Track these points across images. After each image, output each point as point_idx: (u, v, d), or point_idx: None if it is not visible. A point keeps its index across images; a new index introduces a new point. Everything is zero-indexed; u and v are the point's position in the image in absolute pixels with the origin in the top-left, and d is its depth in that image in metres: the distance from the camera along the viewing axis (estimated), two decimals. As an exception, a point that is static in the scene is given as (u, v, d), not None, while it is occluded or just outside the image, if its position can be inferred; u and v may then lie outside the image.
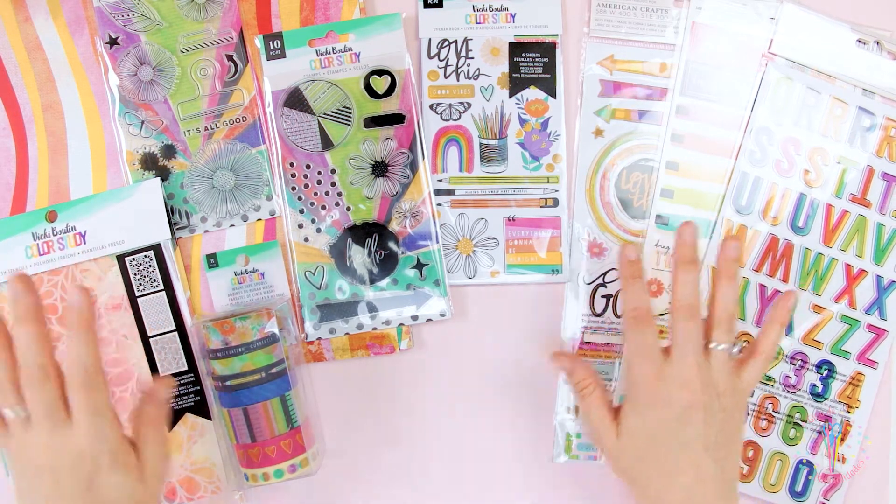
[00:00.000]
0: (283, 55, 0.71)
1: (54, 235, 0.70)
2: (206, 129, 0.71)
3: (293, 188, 0.71)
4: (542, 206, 0.73)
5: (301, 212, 0.71)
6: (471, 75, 0.73)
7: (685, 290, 0.62)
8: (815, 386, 0.73)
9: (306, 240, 0.71)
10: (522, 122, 0.73)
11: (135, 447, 0.59)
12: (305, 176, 0.71)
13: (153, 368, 0.71)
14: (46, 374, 0.56)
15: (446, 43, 0.73)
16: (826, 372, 0.73)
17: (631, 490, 0.65)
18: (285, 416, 0.66)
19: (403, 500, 0.74)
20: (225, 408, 0.66)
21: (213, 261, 0.71)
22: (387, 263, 0.72)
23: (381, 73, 0.72)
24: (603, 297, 0.73)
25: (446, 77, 0.73)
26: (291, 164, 0.71)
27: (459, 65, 0.73)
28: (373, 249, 0.72)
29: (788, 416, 0.73)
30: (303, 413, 0.68)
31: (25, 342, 0.56)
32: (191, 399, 0.71)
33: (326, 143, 0.71)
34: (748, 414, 0.73)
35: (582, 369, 0.66)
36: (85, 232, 0.70)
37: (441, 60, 0.73)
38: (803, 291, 0.73)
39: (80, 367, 0.56)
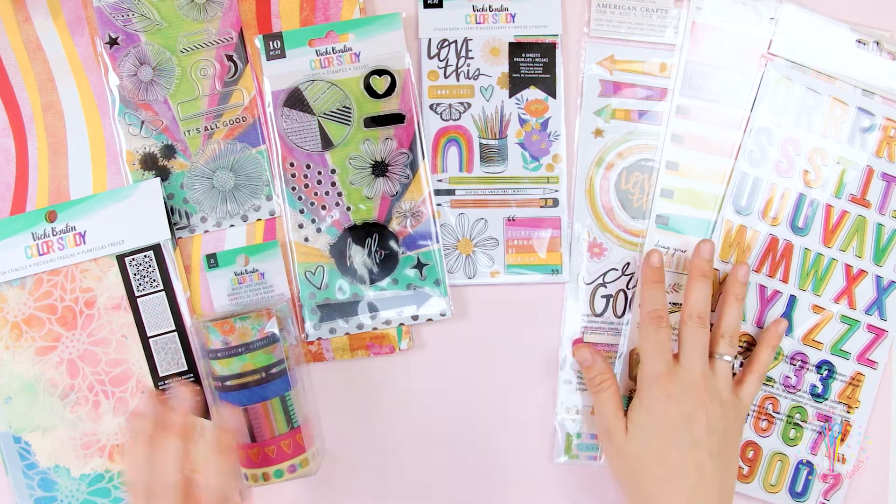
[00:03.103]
0: (282, 55, 0.71)
1: (54, 235, 0.70)
2: (206, 129, 0.71)
3: (293, 188, 0.71)
4: (542, 206, 0.73)
5: (301, 212, 0.71)
6: (471, 75, 0.73)
7: (698, 299, 0.67)
8: (815, 386, 0.73)
9: (306, 240, 0.71)
10: (522, 122, 0.73)
11: None
12: (305, 176, 0.71)
13: (153, 369, 0.71)
14: (176, 490, 0.57)
15: (446, 43, 0.73)
16: (826, 372, 0.73)
17: (629, 492, 0.66)
18: (285, 417, 0.66)
19: (403, 501, 0.73)
20: (225, 407, 0.66)
21: (212, 261, 0.71)
22: (387, 263, 0.72)
23: (381, 72, 0.72)
24: (603, 297, 0.73)
25: (446, 77, 0.73)
26: (291, 164, 0.71)
27: (459, 65, 0.73)
28: (373, 249, 0.72)
29: (788, 416, 0.73)
30: (303, 413, 0.68)
31: (169, 456, 0.58)
32: (191, 399, 0.71)
33: (326, 143, 0.71)
34: (748, 414, 0.73)
35: (601, 363, 0.69)
36: (85, 232, 0.70)
37: (441, 60, 0.73)
38: (803, 292, 0.73)
39: (220, 493, 0.59)
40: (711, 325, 0.70)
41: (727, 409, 0.66)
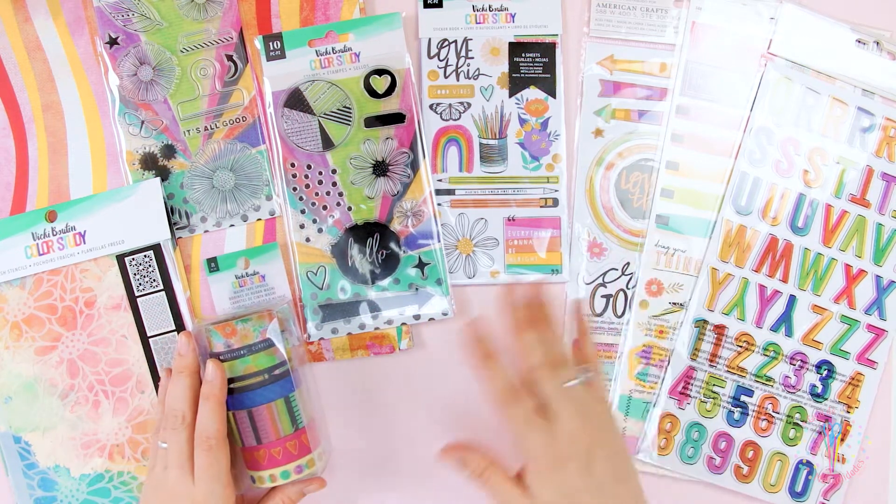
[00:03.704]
0: (282, 56, 0.71)
1: (54, 235, 0.69)
2: (205, 129, 0.71)
3: (294, 188, 0.71)
4: (542, 206, 0.73)
5: (302, 212, 0.71)
6: (471, 75, 0.73)
7: (537, 350, 0.61)
8: (814, 386, 0.73)
9: (308, 240, 0.71)
10: (522, 121, 0.73)
11: None
12: (306, 176, 0.71)
13: (153, 369, 0.71)
14: (184, 423, 0.63)
15: (446, 43, 0.73)
16: (826, 372, 0.73)
17: None
18: (290, 418, 0.66)
19: (403, 500, 0.73)
20: (230, 411, 0.66)
21: (213, 265, 0.71)
22: (388, 263, 0.72)
23: (381, 72, 0.72)
24: (603, 297, 0.73)
25: (446, 77, 0.73)
26: (292, 165, 0.71)
27: (459, 65, 0.73)
28: (374, 249, 0.71)
29: (788, 416, 0.73)
30: (308, 414, 0.68)
31: (178, 390, 0.64)
32: (191, 400, 0.71)
33: (327, 144, 0.71)
34: (747, 415, 0.73)
35: (473, 456, 0.63)
36: (85, 232, 0.70)
37: (441, 60, 0.73)
38: (803, 292, 0.73)
39: (206, 435, 0.62)
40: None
41: (608, 420, 0.61)
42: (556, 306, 0.74)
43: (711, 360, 0.73)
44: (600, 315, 0.73)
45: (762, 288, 0.73)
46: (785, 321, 0.73)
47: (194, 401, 0.64)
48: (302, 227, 0.71)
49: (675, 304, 0.73)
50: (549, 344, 0.62)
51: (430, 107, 0.73)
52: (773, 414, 0.73)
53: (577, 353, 0.64)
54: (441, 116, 0.73)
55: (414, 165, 0.72)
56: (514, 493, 0.61)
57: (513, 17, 0.73)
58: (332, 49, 0.71)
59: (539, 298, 0.64)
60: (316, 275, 0.71)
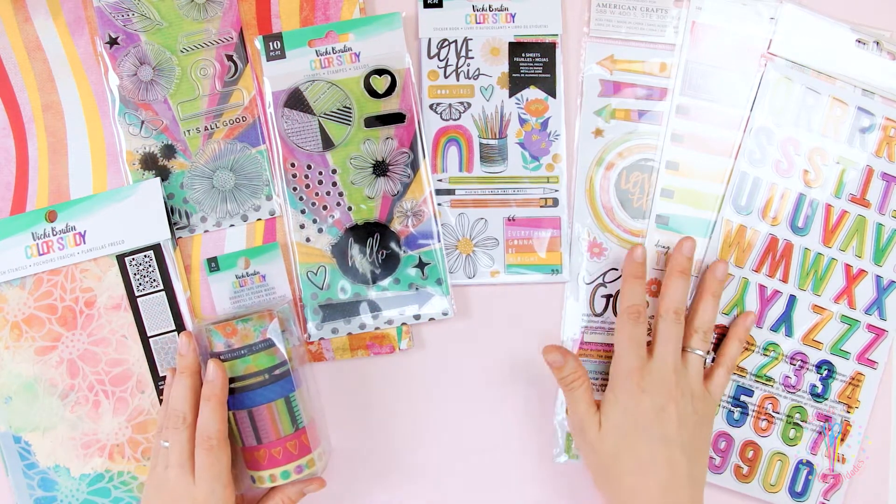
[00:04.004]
0: (282, 56, 0.71)
1: (54, 235, 0.70)
2: (205, 129, 0.71)
3: (294, 188, 0.71)
4: (542, 206, 0.73)
5: (302, 212, 0.71)
6: (471, 75, 0.73)
7: (676, 296, 0.67)
8: (814, 386, 0.73)
9: (308, 240, 0.71)
10: (522, 121, 0.73)
11: None
12: (306, 176, 0.71)
13: (153, 369, 0.71)
14: (185, 423, 0.64)
15: (446, 43, 0.73)
16: (826, 372, 0.73)
17: (602, 484, 0.67)
18: (290, 418, 0.66)
19: (403, 500, 0.73)
20: (230, 411, 0.66)
21: (213, 265, 0.71)
22: (389, 263, 0.72)
23: (381, 72, 0.72)
24: (603, 297, 0.73)
25: (446, 77, 0.73)
26: (292, 165, 0.71)
27: (459, 65, 0.73)
28: (374, 249, 0.71)
29: (788, 416, 0.73)
30: (308, 414, 0.68)
31: (179, 390, 0.65)
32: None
33: (327, 144, 0.71)
34: (747, 414, 0.73)
35: (572, 363, 0.67)
36: (85, 232, 0.70)
37: (441, 60, 0.73)
38: (803, 292, 0.73)
39: (207, 435, 0.63)
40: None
41: (697, 404, 0.66)
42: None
43: (711, 360, 0.73)
44: (600, 315, 0.73)
45: (762, 288, 0.73)
46: (785, 321, 0.73)
47: (195, 401, 0.65)
48: (302, 227, 0.71)
49: (675, 304, 0.73)
50: (699, 310, 0.68)
51: (430, 107, 0.73)
52: (773, 414, 0.73)
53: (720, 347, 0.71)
54: (441, 116, 0.73)
55: (414, 165, 0.72)
56: (589, 411, 0.67)
57: (513, 17, 0.73)
58: (332, 49, 0.71)
59: (721, 275, 0.70)
60: (316, 275, 0.71)
